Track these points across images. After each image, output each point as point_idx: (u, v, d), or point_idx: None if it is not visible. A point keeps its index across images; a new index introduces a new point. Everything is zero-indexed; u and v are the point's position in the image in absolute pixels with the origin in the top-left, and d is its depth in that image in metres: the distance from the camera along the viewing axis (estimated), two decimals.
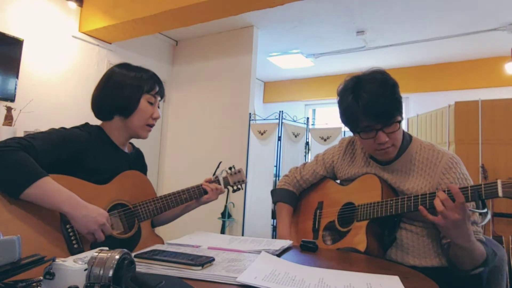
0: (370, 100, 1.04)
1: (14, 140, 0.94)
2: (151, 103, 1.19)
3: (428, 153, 1.14)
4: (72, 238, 0.98)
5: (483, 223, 0.91)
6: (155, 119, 1.21)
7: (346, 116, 1.13)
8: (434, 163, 1.11)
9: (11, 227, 0.89)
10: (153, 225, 1.29)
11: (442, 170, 1.09)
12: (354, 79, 1.12)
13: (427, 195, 0.99)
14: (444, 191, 0.94)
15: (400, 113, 1.09)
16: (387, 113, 1.05)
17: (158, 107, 1.24)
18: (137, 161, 1.31)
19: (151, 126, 1.22)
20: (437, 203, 0.93)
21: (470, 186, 0.91)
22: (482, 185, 0.89)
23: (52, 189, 0.93)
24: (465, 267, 1.01)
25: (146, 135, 1.22)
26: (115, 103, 1.16)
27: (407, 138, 1.19)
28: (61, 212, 0.95)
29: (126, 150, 1.24)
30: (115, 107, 1.16)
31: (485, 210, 0.89)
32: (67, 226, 0.98)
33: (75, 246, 0.98)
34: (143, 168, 1.34)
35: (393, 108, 1.06)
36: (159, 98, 1.23)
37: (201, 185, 1.29)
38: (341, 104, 1.14)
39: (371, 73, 1.11)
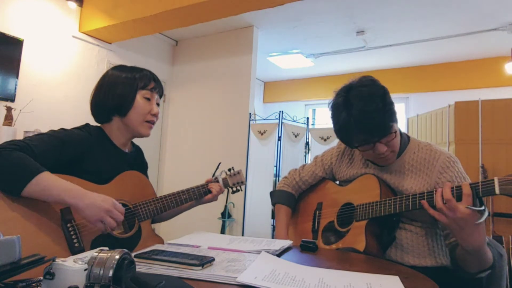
0: (362, 117, 1.05)
1: (10, 142, 0.95)
2: (147, 99, 1.18)
3: (425, 153, 1.14)
4: (73, 236, 0.98)
5: (481, 221, 0.91)
6: (154, 115, 1.19)
7: (342, 134, 1.15)
8: (432, 163, 1.11)
9: (12, 226, 0.89)
10: (153, 221, 1.29)
11: (440, 169, 1.09)
12: (343, 94, 1.12)
13: (425, 194, 0.99)
14: (453, 188, 0.92)
15: (395, 121, 1.09)
16: (381, 127, 1.06)
17: (158, 105, 1.23)
18: (137, 160, 1.31)
19: (152, 123, 1.20)
20: (437, 199, 0.93)
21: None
22: (479, 183, 0.89)
23: (53, 182, 0.92)
24: (471, 270, 1.00)
25: (147, 132, 1.20)
26: (111, 103, 1.15)
27: (405, 139, 1.19)
28: (65, 203, 0.93)
29: (126, 150, 1.24)
30: (111, 107, 1.16)
31: (482, 208, 0.89)
32: (68, 225, 0.98)
33: (76, 244, 0.98)
34: (143, 166, 1.34)
35: (386, 120, 1.06)
36: (156, 95, 1.21)
37: (206, 185, 1.29)
38: (335, 121, 1.15)
39: (359, 86, 1.10)
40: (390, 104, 1.08)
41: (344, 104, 1.10)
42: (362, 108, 1.05)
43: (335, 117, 1.14)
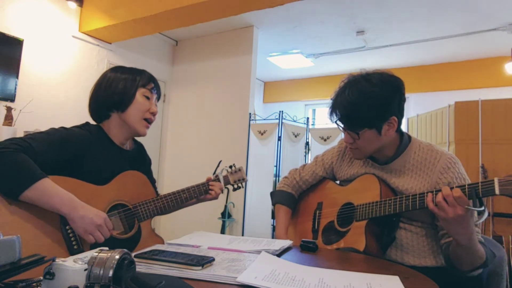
0: (341, 102, 1.12)
1: (12, 141, 0.94)
2: (147, 97, 1.19)
3: (426, 153, 1.14)
4: (72, 239, 0.98)
5: (481, 221, 0.91)
6: (153, 114, 1.20)
7: (331, 104, 1.19)
8: (433, 163, 1.11)
9: (11, 228, 0.89)
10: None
11: (440, 169, 1.09)
12: (356, 77, 1.15)
13: (425, 194, 0.99)
14: (452, 188, 0.93)
15: (368, 126, 1.09)
16: (349, 119, 1.12)
17: (156, 106, 1.24)
18: (139, 157, 1.31)
19: (149, 121, 1.21)
20: (438, 195, 0.94)
21: (468, 184, 0.91)
22: (479, 183, 0.89)
23: (51, 190, 0.93)
24: (464, 267, 1.01)
25: (144, 131, 1.21)
26: (111, 99, 1.16)
27: (406, 139, 1.19)
28: (59, 213, 0.95)
29: (127, 148, 1.24)
30: (111, 102, 1.16)
31: (482, 208, 0.89)
32: (67, 227, 0.98)
33: (75, 247, 0.98)
34: (145, 163, 1.34)
35: (359, 117, 1.09)
36: (155, 96, 1.22)
37: (207, 183, 1.29)
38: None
39: (367, 78, 1.12)
40: (374, 110, 1.08)
41: (347, 83, 1.15)
42: (347, 95, 1.11)
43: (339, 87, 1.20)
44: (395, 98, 1.10)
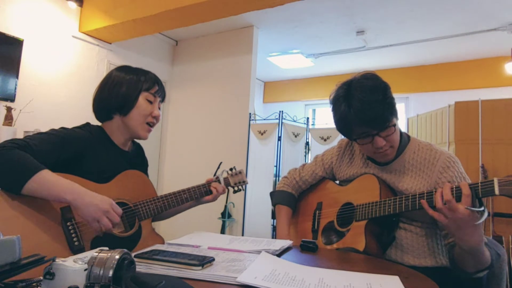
0: (362, 108, 1.05)
1: (10, 141, 0.95)
2: (150, 102, 1.19)
3: (426, 153, 1.14)
4: (73, 235, 0.98)
5: (480, 222, 0.91)
6: (155, 117, 1.20)
7: (341, 125, 1.14)
8: (432, 163, 1.11)
9: (12, 225, 0.90)
10: (153, 220, 1.29)
11: (440, 169, 1.09)
12: (344, 86, 1.12)
13: (425, 194, 0.99)
14: (452, 188, 0.92)
15: (395, 115, 1.09)
16: (381, 118, 1.06)
17: (159, 109, 1.24)
18: (137, 158, 1.31)
19: (151, 125, 1.21)
20: (437, 199, 0.92)
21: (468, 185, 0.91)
22: (479, 184, 0.89)
23: (52, 180, 0.93)
24: (469, 269, 1.00)
25: (145, 135, 1.21)
26: (114, 101, 1.16)
27: (405, 138, 1.19)
28: (64, 201, 0.94)
29: (126, 149, 1.24)
30: (114, 105, 1.17)
31: (482, 209, 0.89)
32: (68, 224, 0.98)
33: (76, 243, 0.98)
34: (143, 164, 1.34)
35: (386, 112, 1.06)
36: (159, 99, 1.23)
37: (207, 184, 1.29)
38: (334, 113, 1.15)
39: (361, 79, 1.11)
40: (391, 98, 1.08)
41: (345, 95, 1.10)
42: (362, 98, 1.05)
43: (335, 108, 1.14)
44: (387, 83, 1.11)
